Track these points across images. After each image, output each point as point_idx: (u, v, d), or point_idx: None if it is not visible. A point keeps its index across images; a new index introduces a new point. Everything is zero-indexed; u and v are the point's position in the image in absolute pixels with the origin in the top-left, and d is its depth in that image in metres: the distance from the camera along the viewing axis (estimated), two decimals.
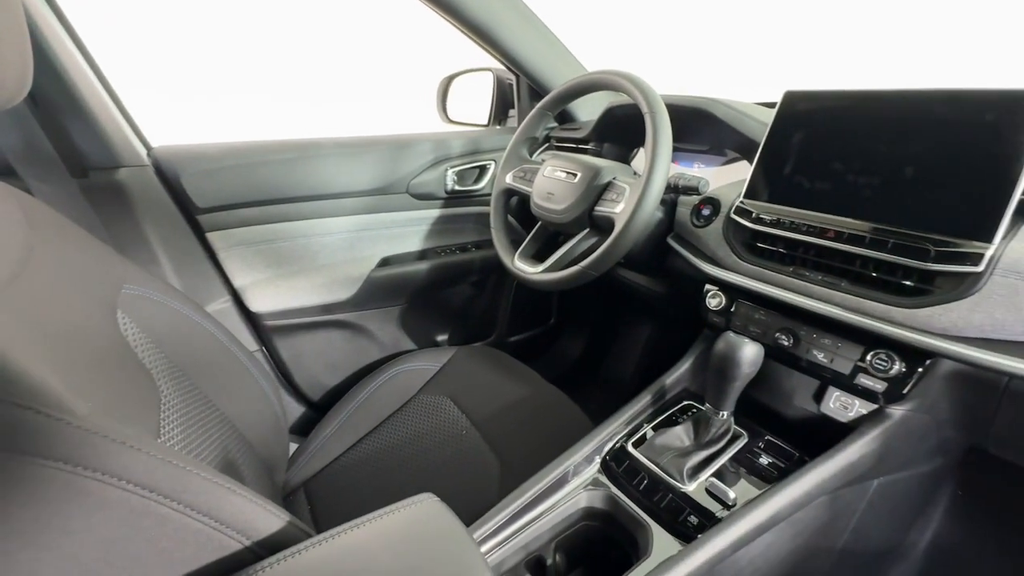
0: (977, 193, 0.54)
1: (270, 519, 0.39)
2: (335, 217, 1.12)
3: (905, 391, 0.60)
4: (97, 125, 0.83)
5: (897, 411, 0.62)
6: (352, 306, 1.16)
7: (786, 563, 0.70)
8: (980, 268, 0.53)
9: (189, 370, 0.63)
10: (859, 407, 0.66)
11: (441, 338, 1.36)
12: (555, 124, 1.29)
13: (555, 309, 1.56)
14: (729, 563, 0.61)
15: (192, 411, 0.61)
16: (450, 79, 1.43)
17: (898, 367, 0.59)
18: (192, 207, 0.97)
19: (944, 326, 0.55)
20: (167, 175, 0.93)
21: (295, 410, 1.19)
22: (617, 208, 0.77)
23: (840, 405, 0.68)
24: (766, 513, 0.57)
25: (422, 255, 1.24)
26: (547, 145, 1.26)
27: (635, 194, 0.73)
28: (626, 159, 1.15)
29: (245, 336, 1.07)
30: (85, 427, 0.31)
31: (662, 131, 0.72)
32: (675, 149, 1.07)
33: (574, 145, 1.18)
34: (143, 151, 0.91)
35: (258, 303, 1.05)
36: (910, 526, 0.90)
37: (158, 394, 0.57)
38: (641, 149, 1.14)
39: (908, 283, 0.58)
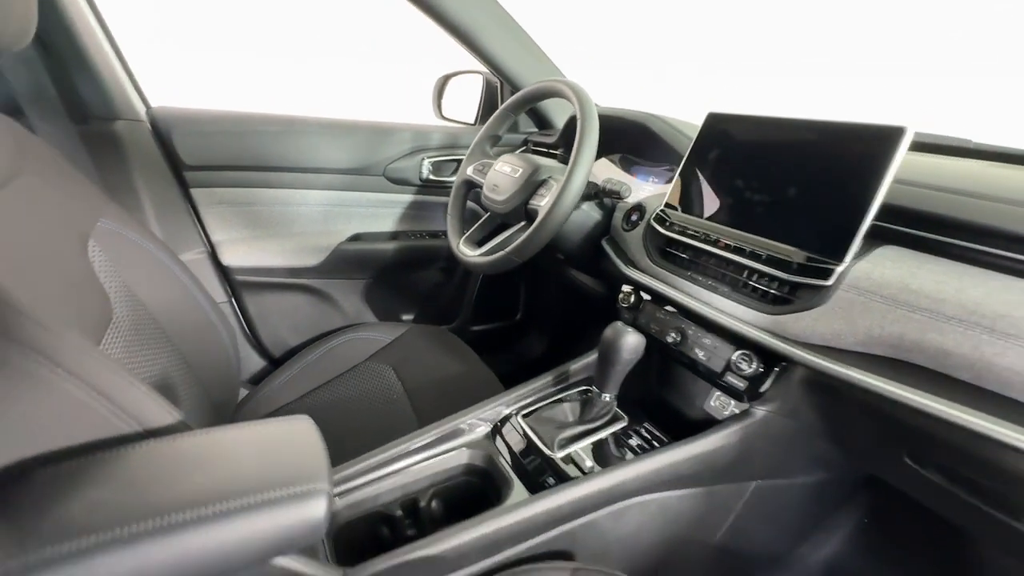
0: (840, 215, 0.60)
1: (163, 415, 0.46)
2: (312, 190, 1.21)
3: (762, 390, 0.65)
4: (100, 77, 0.94)
5: (759, 411, 0.67)
6: (318, 273, 1.24)
7: (659, 548, 0.75)
8: (829, 282, 0.58)
9: (149, 304, 0.70)
10: (733, 407, 0.71)
11: (405, 317, 1.44)
12: (535, 129, 1.37)
13: (522, 306, 1.63)
14: (596, 537, 0.66)
15: (142, 338, 0.68)
16: (446, 78, 1.51)
17: (755, 367, 0.64)
18: (180, 163, 1.07)
19: (795, 332, 0.60)
20: (161, 132, 1.04)
21: (256, 362, 1.28)
22: (543, 201, 0.84)
23: (720, 404, 0.73)
24: (610, 482, 0.62)
25: (392, 236, 1.32)
26: (524, 148, 1.34)
27: (557, 189, 0.80)
28: None
29: (215, 286, 1.17)
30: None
31: (588, 134, 0.79)
32: (633, 163, 1.14)
33: (546, 149, 1.26)
34: (142, 108, 1.02)
35: (231, 258, 1.15)
36: (799, 538, 0.93)
37: (111, 315, 0.63)
38: (604, 157, 1.20)
39: (772, 291, 0.64)
